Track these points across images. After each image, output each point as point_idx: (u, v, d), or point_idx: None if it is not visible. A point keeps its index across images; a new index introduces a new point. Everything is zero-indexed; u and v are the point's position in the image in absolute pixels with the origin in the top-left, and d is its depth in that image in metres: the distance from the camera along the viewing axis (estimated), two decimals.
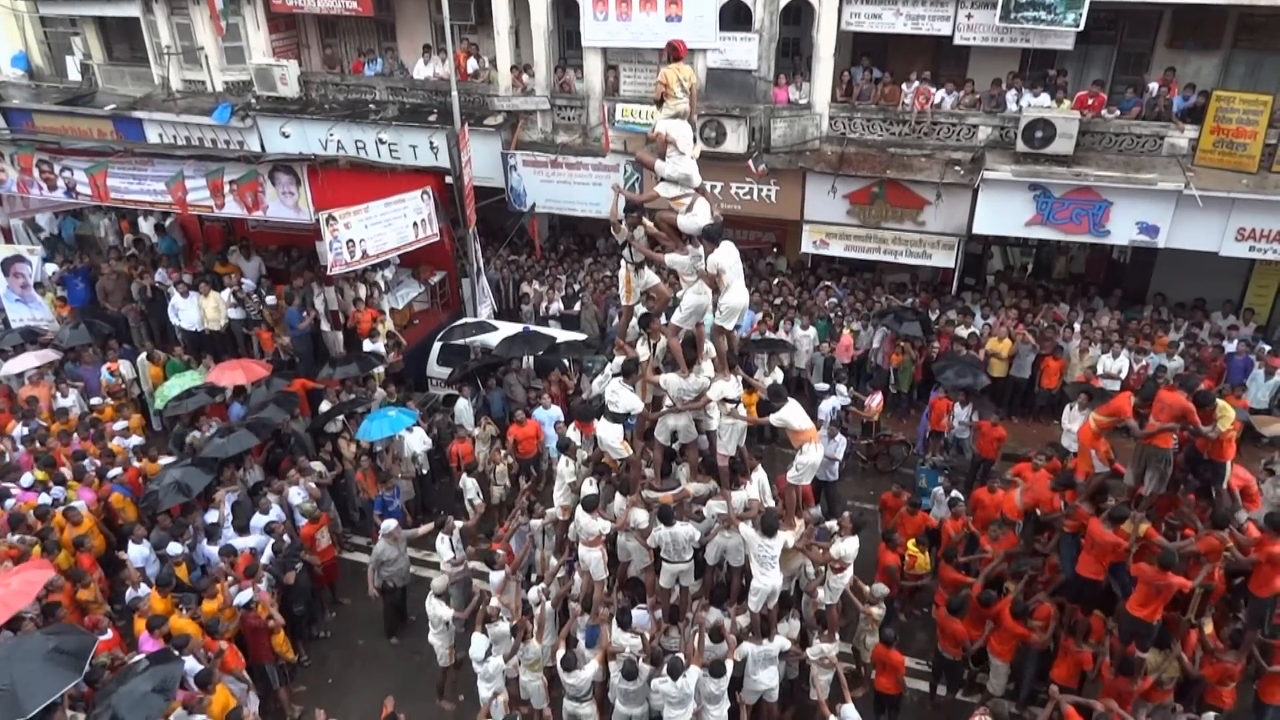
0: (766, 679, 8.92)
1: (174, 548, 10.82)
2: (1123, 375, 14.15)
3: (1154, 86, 15.37)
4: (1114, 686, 8.55)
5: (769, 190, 16.90)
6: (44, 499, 11.22)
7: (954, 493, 11.76)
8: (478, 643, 8.90)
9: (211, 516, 11.22)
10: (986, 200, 15.26)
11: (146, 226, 19.51)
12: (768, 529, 8.37)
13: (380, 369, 14.55)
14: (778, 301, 16.66)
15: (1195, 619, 8.92)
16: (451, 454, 12.96)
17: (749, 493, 9.04)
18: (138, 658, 8.78)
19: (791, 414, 8.59)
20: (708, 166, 16.43)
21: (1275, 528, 8.25)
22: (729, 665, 8.41)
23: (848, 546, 9.17)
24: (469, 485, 12.02)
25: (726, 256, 8.24)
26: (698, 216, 8.40)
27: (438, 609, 9.68)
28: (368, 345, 14.85)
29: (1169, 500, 9.07)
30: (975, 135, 16.00)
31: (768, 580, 8.49)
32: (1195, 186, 14.15)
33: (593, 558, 8.90)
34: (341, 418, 13.31)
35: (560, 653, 8.62)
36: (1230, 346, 14.67)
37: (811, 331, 15.59)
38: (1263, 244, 14.43)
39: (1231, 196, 14.18)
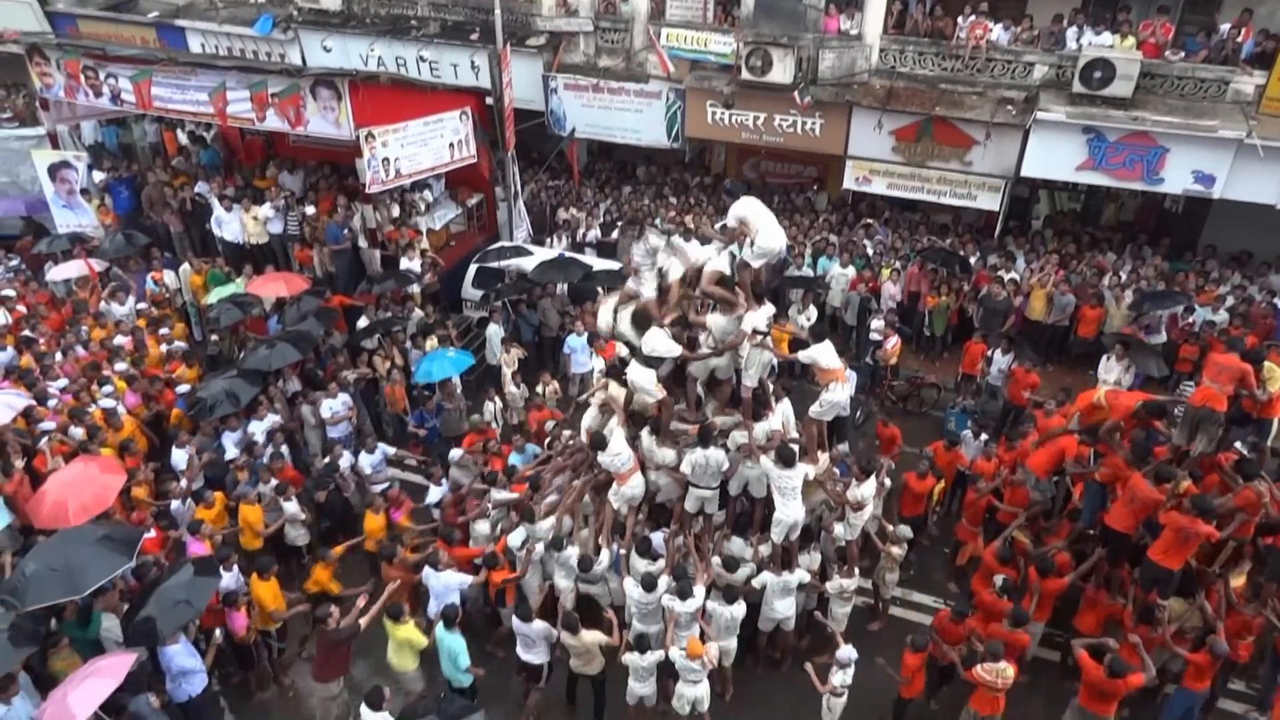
0: (783, 608, 9.12)
1: (231, 448, 11.16)
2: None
3: (1225, 28, 14.69)
4: (1134, 635, 8.62)
5: (813, 124, 16.55)
6: (104, 403, 11.50)
7: (983, 435, 11.71)
8: (516, 535, 9.42)
9: (252, 428, 11.47)
10: (1038, 142, 14.82)
11: (183, 137, 19.56)
12: (786, 460, 8.46)
13: (417, 288, 14.68)
14: (816, 239, 16.46)
15: (1221, 571, 8.92)
16: (531, 421, 12.32)
17: (771, 424, 9.11)
18: (186, 559, 9.13)
19: (821, 352, 8.72)
20: (751, 96, 16.46)
21: None
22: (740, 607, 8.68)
23: (865, 490, 9.30)
24: (489, 409, 12.22)
25: (745, 206, 8.45)
26: (770, 237, 8.35)
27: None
28: (404, 263, 14.97)
29: (1211, 459, 8.96)
30: (1030, 74, 15.46)
31: (789, 512, 8.61)
32: (1258, 135, 13.61)
33: (628, 490, 9.05)
34: (378, 335, 13.49)
35: (576, 552, 9.04)
36: None
37: (851, 270, 15.43)
38: None
39: None
